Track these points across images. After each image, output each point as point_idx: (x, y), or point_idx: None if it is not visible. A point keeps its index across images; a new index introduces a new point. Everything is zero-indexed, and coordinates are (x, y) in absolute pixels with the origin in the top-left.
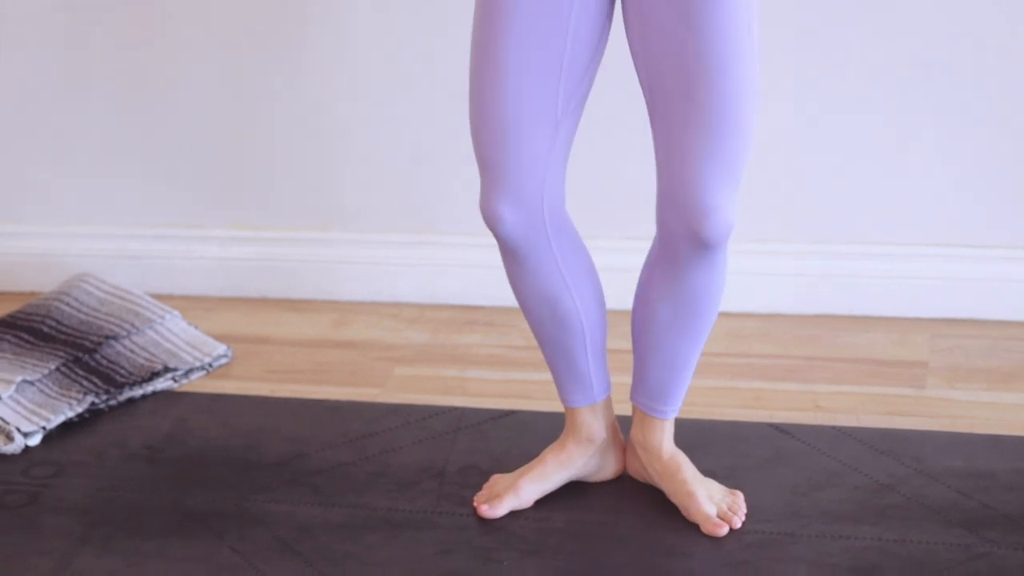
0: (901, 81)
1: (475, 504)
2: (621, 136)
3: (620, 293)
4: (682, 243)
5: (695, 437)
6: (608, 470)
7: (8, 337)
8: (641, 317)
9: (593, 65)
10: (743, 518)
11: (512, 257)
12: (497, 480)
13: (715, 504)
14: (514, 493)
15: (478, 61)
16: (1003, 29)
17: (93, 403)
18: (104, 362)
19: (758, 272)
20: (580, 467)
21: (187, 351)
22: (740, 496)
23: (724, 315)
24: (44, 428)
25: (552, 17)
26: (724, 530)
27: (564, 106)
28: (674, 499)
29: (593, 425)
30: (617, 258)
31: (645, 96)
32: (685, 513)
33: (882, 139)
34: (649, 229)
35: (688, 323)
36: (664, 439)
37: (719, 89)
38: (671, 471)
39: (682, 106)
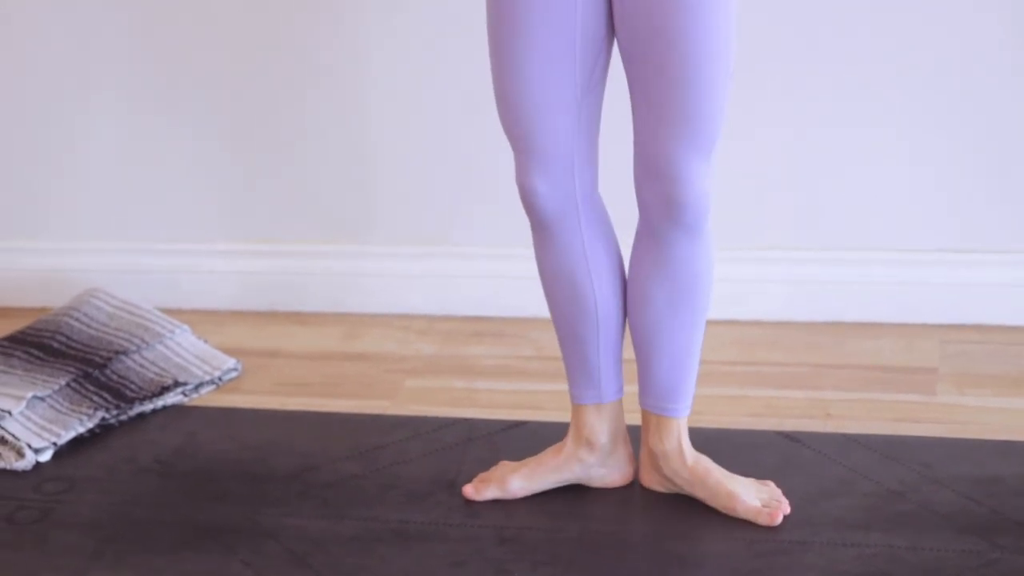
0: (908, 89)
1: (470, 487)
2: None
3: None
4: (661, 216)
5: (705, 446)
6: (611, 478)
7: (18, 353)
8: (636, 308)
9: (606, 47)
10: (787, 504)
11: (542, 234)
12: (501, 466)
13: (757, 498)
14: (500, 485)
15: (497, 49)
16: (1005, 40)
17: (104, 418)
18: (114, 377)
19: (766, 280)
20: (578, 472)
21: (197, 365)
22: (772, 484)
23: (733, 323)
24: (55, 444)
25: (561, 4)
26: (780, 517)
27: (583, 84)
28: (713, 503)
29: (596, 428)
30: None
31: (625, 68)
32: (731, 513)
33: (888, 145)
34: None
35: (682, 306)
36: (683, 442)
37: (692, 65)
38: (701, 476)
39: (657, 79)
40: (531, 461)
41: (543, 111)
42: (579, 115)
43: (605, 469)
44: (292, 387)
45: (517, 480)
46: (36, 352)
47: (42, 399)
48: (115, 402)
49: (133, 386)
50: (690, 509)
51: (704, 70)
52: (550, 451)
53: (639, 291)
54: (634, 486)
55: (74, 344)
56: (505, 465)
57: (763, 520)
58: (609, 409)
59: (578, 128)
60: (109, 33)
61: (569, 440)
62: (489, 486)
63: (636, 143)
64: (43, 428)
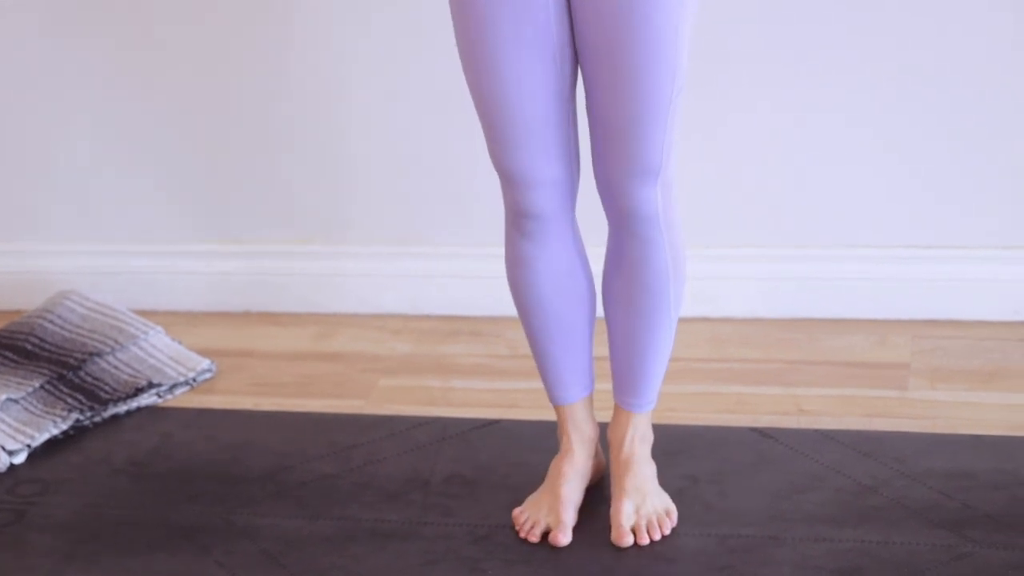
0: (880, 85)
1: (536, 534)
2: None
3: None
4: (615, 222)
5: (678, 442)
6: (596, 472)
7: None
8: (604, 299)
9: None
10: (657, 537)
11: (537, 233)
12: (534, 505)
13: (641, 516)
14: (563, 529)
15: (473, 66)
16: (976, 37)
17: (78, 420)
18: (88, 379)
19: (739, 276)
20: (588, 471)
21: (171, 366)
22: (674, 515)
23: (705, 320)
24: (29, 446)
25: (530, 10)
26: (625, 542)
27: (567, 95)
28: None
29: (590, 421)
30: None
31: (583, 80)
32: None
33: (861, 142)
34: None
35: (636, 301)
36: (627, 435)
37: (642, 76)
38: (620, 471)
39: (603, 103)
40: (558, 487)
41: (531, 129)
42: (567, 113)
43: (594, 462)
44: (266, 387)
45: (569, 511)
46: (10, 354)
47: (16, 401)
48: (89, 404)
49: (107, 388)
50: None
51: (649, 98)
52: (563, 465)
53: (604, 285)
54: (604, 482)
55: (48, 346)
56: (535, 507)
57: (612, 536)
58: (590, 401)
59: (567, 127)
60: (82, 36)
61: (575, 445)
62: (558, 532)
63: (593, 159)
64: (17, 430)
